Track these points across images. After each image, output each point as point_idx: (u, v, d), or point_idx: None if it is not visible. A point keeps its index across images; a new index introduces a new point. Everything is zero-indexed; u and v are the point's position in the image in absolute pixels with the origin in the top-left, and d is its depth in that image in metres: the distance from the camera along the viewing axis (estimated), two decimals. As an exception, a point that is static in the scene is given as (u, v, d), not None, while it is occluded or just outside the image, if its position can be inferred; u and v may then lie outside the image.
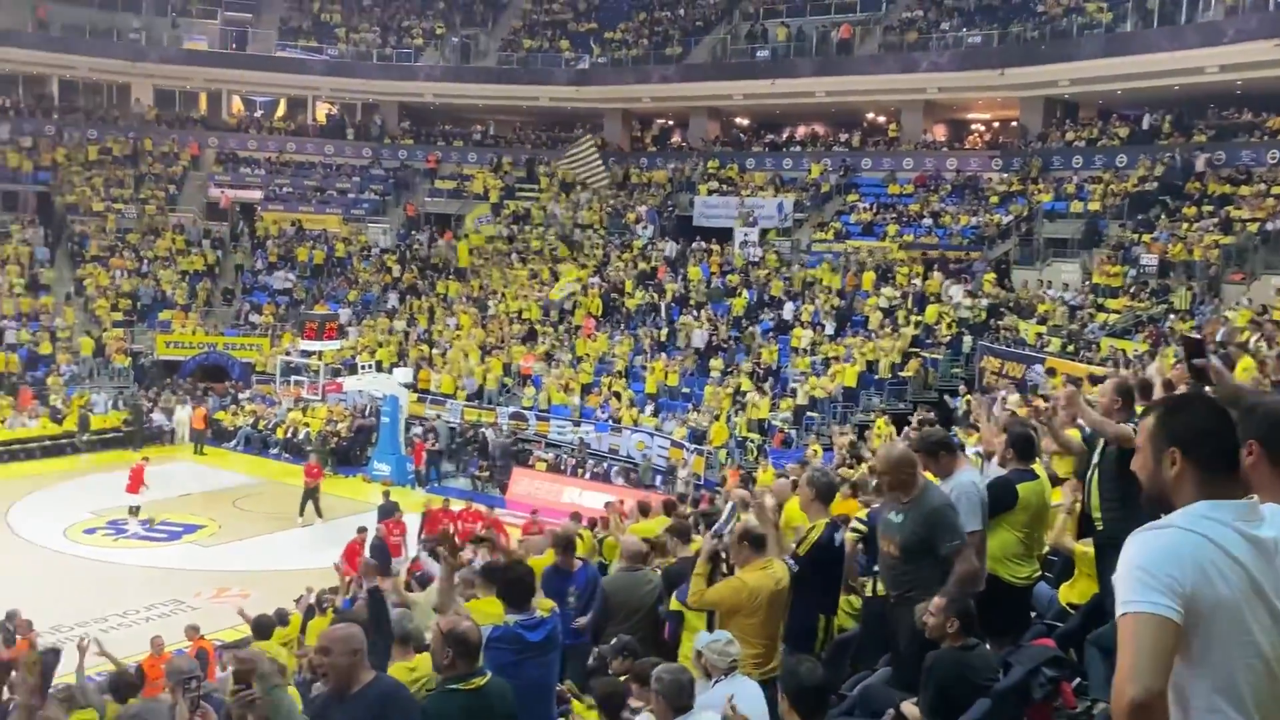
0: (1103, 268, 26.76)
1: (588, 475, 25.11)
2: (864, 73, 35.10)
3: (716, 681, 4.82)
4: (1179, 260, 25.45)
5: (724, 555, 5.92)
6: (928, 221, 32.34)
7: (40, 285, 34.52)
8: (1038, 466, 5.98)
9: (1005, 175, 32.99)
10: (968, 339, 26.31)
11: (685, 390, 27.67)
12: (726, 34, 39.45)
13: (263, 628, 10.32)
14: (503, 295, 34.36)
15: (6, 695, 10.38)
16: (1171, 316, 22.61)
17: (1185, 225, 26.74)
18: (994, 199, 32.22)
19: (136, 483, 21.87)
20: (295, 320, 34.08)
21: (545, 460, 25.96)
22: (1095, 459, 5.67)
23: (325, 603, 11.93)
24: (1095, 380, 12.00)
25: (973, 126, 37.83)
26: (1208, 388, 5.41)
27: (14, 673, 10.09)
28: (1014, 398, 13.95)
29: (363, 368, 30.00)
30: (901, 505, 5.22)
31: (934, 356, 26.14)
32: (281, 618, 11.81)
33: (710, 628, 5.90)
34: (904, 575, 5.20)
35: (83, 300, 34.74)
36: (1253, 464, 2.33)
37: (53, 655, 7.02)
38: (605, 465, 25.52)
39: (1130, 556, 2.15)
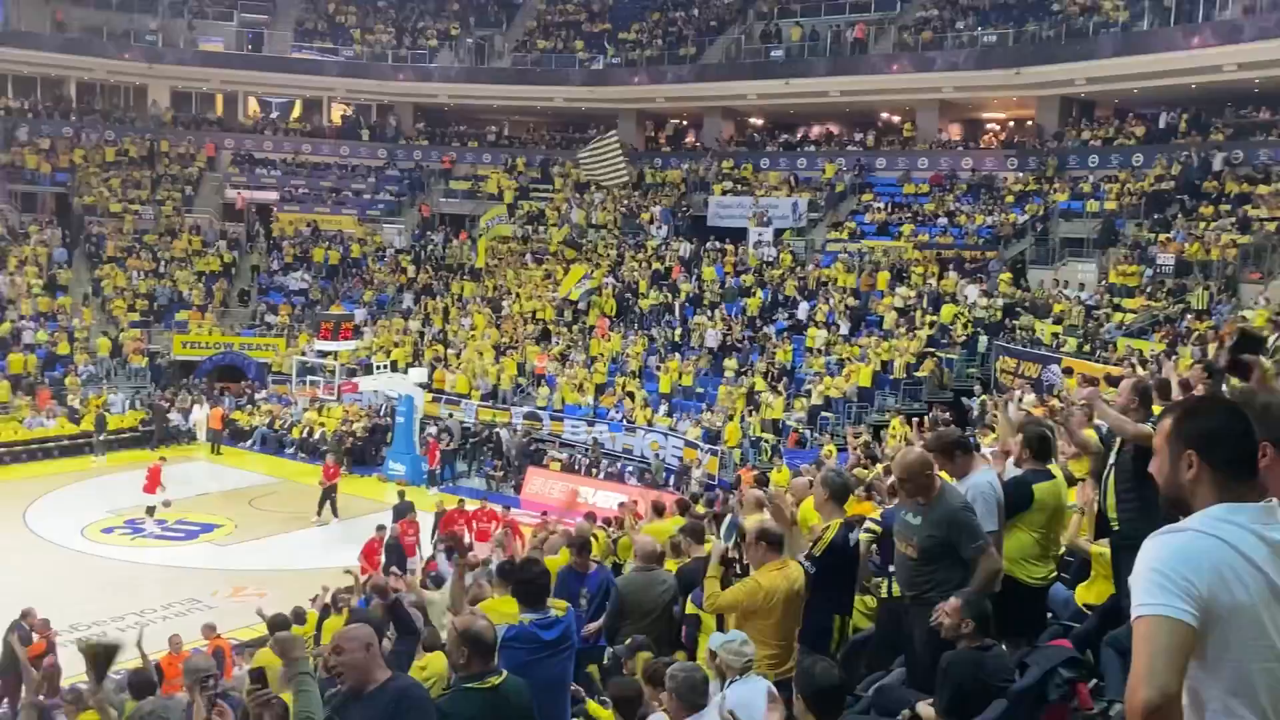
0: (1119, 267, 26.63)
1: (602, 475, 25.14)
2: (879, 72, 35.01)
3: (731, 682, 4.82)
4: (1196, 260, 25.30)
5: (735, 558, 5.92)
6: (943, 221, 32.25)
7: (58, 286, 34.73)
8: (1054, 467, 5.95)
9: (1021, 175, 32.87)
10: (983, 339, 26.24)
11: (699, 390, 27.67)
12: (740, 34, 39.42)
13: (279, 627, 10.36)
14: (517, 295, 34.42)
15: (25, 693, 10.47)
16: (1188, 316, 22.48)
17: (1202, 224, 26.59)
18: (1009, 198, 32.11)
19: (154, 483, 22.01)
20: (311, 320, 34.24)
21: (559, 460, 26.00)
22: (1112, 459, 5.65)
23: (340, 602, 11.98)
24: (1112, 380, 11.94)
25: (988, 126, 37.69)
26: (1235, 386, 5.37)
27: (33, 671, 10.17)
28: (1029, 398, 13.90)
29: (378, 368, 30.08)
30: (919, 506, 5.21)
31: (949, 356, 26.07)
32: (298, 616, 11.87)
33: (721, 628, 5.91)
34: (921, 576, 5.19)
35: (100, 301, 34.95)
36: (1268, 466, 2.32)
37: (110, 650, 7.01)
38: (619, 465, 25.54)
39: (1146, 559, 2.15)
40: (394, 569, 14.40)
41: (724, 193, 36.87)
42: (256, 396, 31.99)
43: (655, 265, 34.26)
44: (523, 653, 5.01)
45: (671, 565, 7.68)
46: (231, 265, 37.73)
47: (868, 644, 6.31)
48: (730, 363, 28.04)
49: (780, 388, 26.32)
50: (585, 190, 39.26)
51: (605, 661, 6.87)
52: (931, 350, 25.95)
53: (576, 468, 25.73)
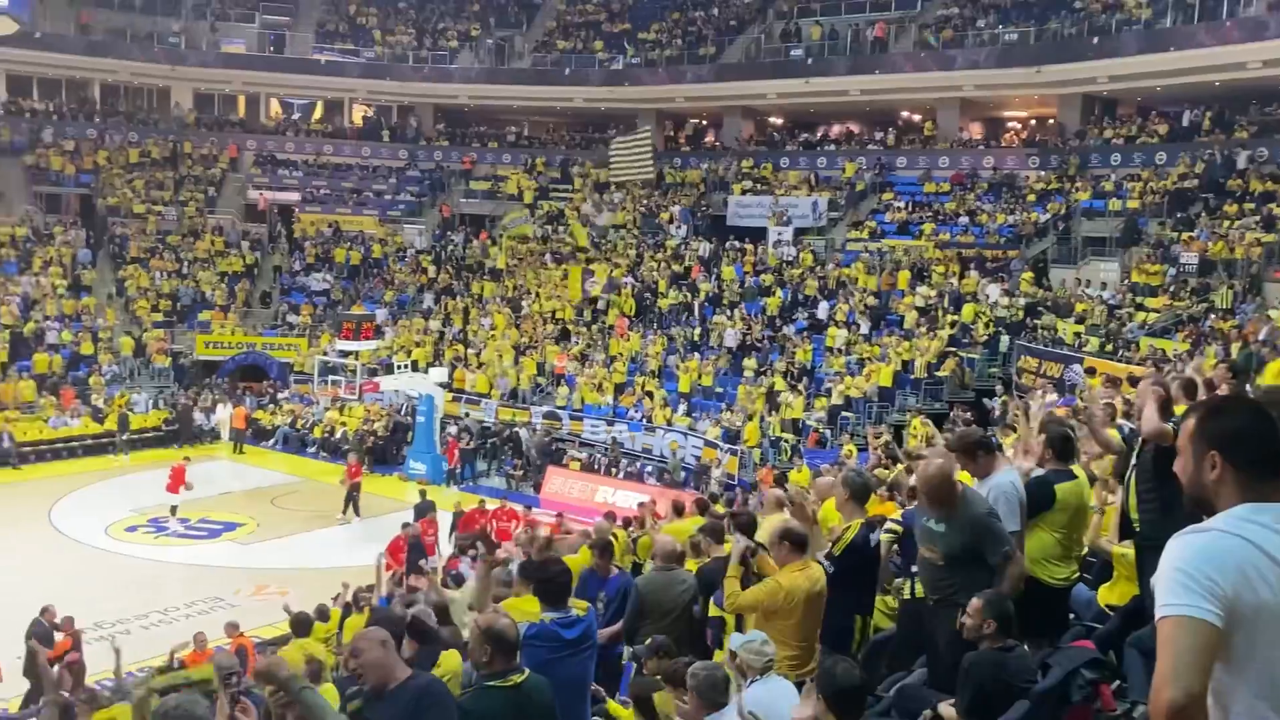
0: (1142, 266, 26.45)
1: (621, 475, 25.16)
2: (899, 71, 34.88)
3: (752, 682, 4.82)
4: (1220, 258, 25.10)
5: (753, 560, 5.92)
6: (964, 220, 32.11)
7: (82, 286, 35.02)
8: (1076, 467, 5.92)
9: (1043, 173, 32.68)
10: (1005, 338, 26.12)
11: (719, 390, 27.65)
12: (760, 33, 39.36)
13: (302, 625, 10.44)
14: (536, 295, 34.49)
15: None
16: (1212, 316, 22.31)
17: (1226, 223, 26.37)
18: (1031, 197, 31.93)
19: (177, 482, 22.16)
20: (332, 320, 34.46)
21: (579, 460, 26.04)
22: (1133, 459, 5.62)
23: (362, 601, 12.04)
24: (1134, 380, 11.88)
25: (1009, 124, 37.49)
26: (1259, 385, 5.35)
27: (55, 668, 10.27)
28: (1051, 397, 13.82)
29: (399, 367, 30.21)
30: (942, 512, 5.19)
31: (971, 356, 25.98)
32: (322, 614, 11.94)
33: (740, 629, 5.91)
34: (945, 581, 5.17)
35: (124, 301, 35.23)
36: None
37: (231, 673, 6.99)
38: (639, 465, 25.56)
39: (1170, 559, 2.14)
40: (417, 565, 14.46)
41: (744, 192, 36.83)
42: (279, 396, 32.18)
43: (674, 265, 34.25)
44: (543, 651, 5.02)
45: (691, 565, 7.68)
46: (254, 266, 37.95)
47: (888, 644, 6.31)
48: (750, 362, 28.01)
49: (800, 387, 26.28)
50: (605, 190, 39.29)
51: (624, 661, 6.89)
52: (953, 350, 25.86)
53: (596, 467, 25.76)
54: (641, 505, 14.60)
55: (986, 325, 26.63)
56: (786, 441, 24.55)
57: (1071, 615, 6.12)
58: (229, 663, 6.68)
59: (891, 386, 25.33)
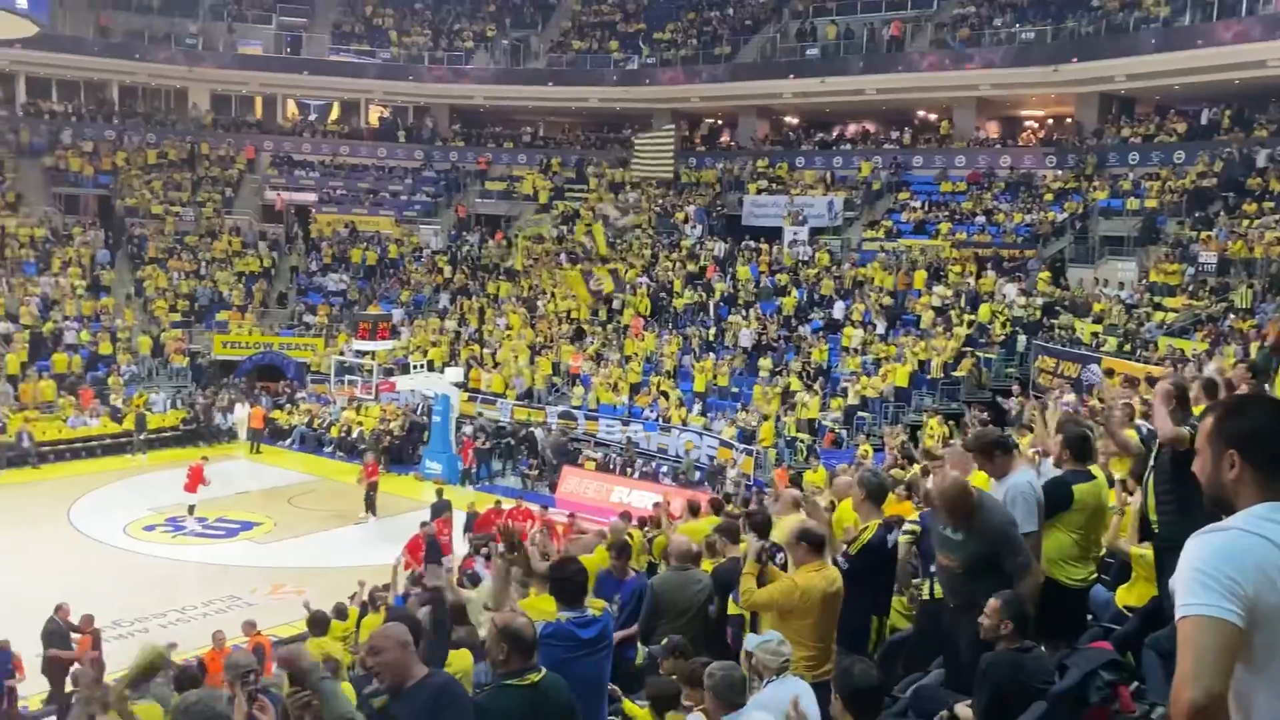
0: (1160, 266, 26.31)
1: (636, 475, 25.17)
2: (915, 70, 34.77)
3: (767, 682, 4.82)
4: (1239, 258, 24.94)
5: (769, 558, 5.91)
6: (981, 219, 32.00)
7: (101, 287, 35.24)
8: (1094, 468, 5.90)
9: (1060, 172, 32.53)
10: (1022, 338, 26.01)
11: (734, 390, 27.63)
12: (776, 32, 39.30)
13: (319, 623, 10.48)
14: (552, 295, 34.53)
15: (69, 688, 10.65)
16: (1231, 315, 22.17)
17: (1246, 222, 26.20)
18: (1048, 196, 31.79)
19: (195, 481, 22.27)
20: (349, 321, 34.58)
21: (594, 459, 26.06)
22: (1151, 460, 5.60)
23: (378, 600, 12.08)
24: (1153, 381, 11.81)
25: (1026, 123, 37.34)
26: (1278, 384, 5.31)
27: (76, 665, 10.34)
28: (1069, 398, 13.76)
29: (415, 367, 30.30)
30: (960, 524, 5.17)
31: (987, 356, 25.88)
32: (340, 612, 11.98)
33: (754, 629, 5.90)
34: (966, 588, 5.16)
35: (142, 301, 35.43)
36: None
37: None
38: (654, 465, 25.56)
39: (1190, 559, 2.12)
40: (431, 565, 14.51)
41: (759, 192, 36.79)
42: (296, 396, 32.31)
43: (690, 265, 34.24)
44: (559, 650, 5.02)
45: (707, 565, 7.68)
46: (271, 266, 38.12)
47: (904, 645, 6.29)
48: (765, 362, 27.97)
49: (816, 387, 26.23)
50: (620, 190, 39.31)
51: (641, 661, 6.88)
52: (970, 349, 25.77)
53: (611, 467, 25.78)
54: (656, 505, 14.60)
55: (1003, 325, 26.53)
56: (802, 442, 24.51)
57: (1089, 616, 6.09)
58: (246, 661, 6.69)
59: (908, 386, 25.26)
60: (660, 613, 7.06)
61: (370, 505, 23.00)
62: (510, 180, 41.76)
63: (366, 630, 9.96)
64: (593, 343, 31.53)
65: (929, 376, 25.33)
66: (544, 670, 4.41)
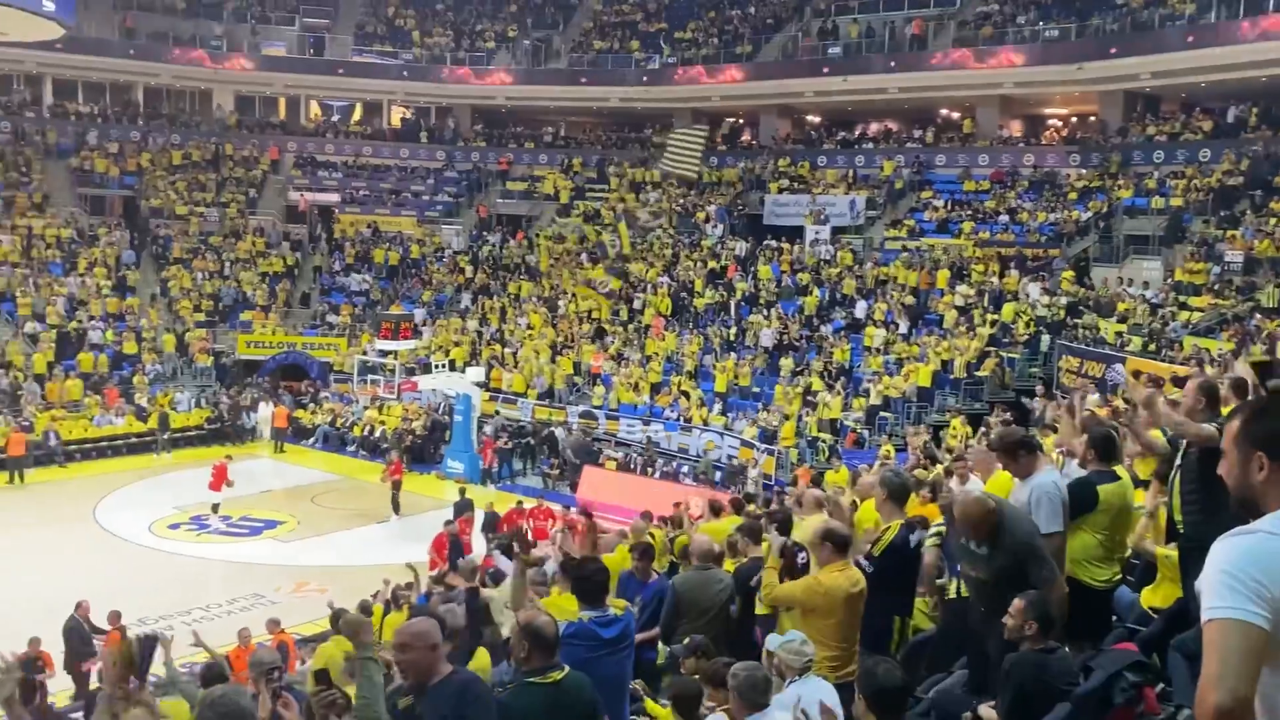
0: (1185, 264, 26.11)
1: (657, 474, 25.15)
2: (938, 68, 34.63)
3: (790, 682, 4.81)
4: (1265, 256, 24.72)
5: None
6: (1004, 218, 31.83)
7: (126, 287, 35.52)
8: (1120, 468, 5.86)
9: (1084, 171, 32.33)
10: (1045, 338, 25.85)
11: (755, 390, 27.58)
12: (797, 31, 39.23)
13: (363, 611, 10.54)
14: (573, 295, 34.57)
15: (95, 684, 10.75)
16: (1257, 315, 21.97)
17: (1272, 220, 25.97)
18: (1072, 195, 31.60)
19: (219, 480, 22.41)
20: (372, 320, 34.74)
21: (615, 459, 26.06)
22: (1178, 461, 5.55)
23: (401, 599, 12.11)
24: (1178, 381, 11.72)
25: (1050, 122, 37.12)
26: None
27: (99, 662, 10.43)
28: (1093, 398, 13.68)
29: (437, 367, 30.40)
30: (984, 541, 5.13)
31: (1011, 356, 25.73)
32: (364, 610, 12.01)
33: (773, 627, 5.89)
34: (994, 598, 5.12)
35: (167, 301, 35.69)
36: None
37: (150, 642, 7.23)
38: (675, 465, 25.55)
39: (1216, 561, 2.11)
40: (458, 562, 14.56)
41: (781, 191, 36.71)
42: (319, 395, 32.48)
43: (711, 264, 34.21)
44: (581, 650, 5.04)
45: (729, 565, 7.68)
46: (294, 266, 38.33)
47: (927, 645, 6.27)
48: (786, 362, 27.90)
49: (838, 387, 26.15)
50: (640, 190, 39.32)
51: (662, 661, 6.89)
52: (993, 349, 25.63)
53: (632, 467, 25.78)
54: (676, 506, 14.60)
55: (1027, 325, 26.37)
56: (824, 442, 24.43)
57: (1114, 617, 6.05)
58: (271, 658, 6.74)
59: (930, 386, 25.15)
60: (682, 612, 7.08)
61: (395, 504, 23.11)
62: (531, 180, 41.85)
63: (389, 629, 9.99)
64: (614, 342, 31.54)
65: (952, 376, 25.22)
66: (567, 668, 4.43)
